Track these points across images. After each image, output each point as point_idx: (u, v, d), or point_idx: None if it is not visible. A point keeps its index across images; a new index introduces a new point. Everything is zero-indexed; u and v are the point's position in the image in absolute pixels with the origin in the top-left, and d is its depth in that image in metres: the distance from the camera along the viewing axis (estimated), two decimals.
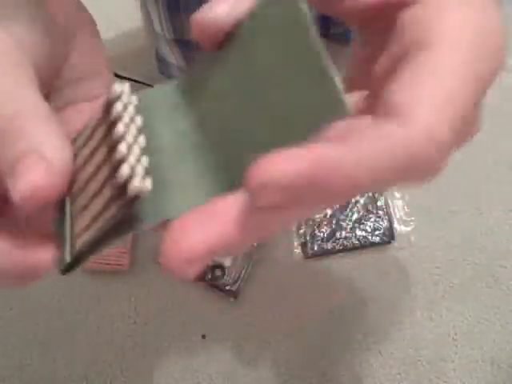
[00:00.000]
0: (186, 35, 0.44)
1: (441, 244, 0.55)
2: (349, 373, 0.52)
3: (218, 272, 0.52)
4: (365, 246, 0.54)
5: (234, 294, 0.52)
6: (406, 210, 0.56)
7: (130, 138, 0.15)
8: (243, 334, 0.53)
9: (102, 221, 0.15)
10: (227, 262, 0.52)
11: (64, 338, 0.53)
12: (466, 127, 0.15)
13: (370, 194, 0.56)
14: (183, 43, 0.45)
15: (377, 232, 0.55)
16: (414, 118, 0.13)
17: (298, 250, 0.54)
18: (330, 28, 0.57)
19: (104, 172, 0.15)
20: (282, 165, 0.12)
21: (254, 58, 0.15)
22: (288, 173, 0.12)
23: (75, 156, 0.16)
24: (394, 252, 0.55)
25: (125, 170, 0.14)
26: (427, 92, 0.13)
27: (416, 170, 0.14)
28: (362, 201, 0.55)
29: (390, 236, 0.54)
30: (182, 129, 0.17)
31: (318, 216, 0.55)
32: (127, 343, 0.53)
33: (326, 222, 0.55)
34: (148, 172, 0.14)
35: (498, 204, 0.57)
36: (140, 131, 0.15)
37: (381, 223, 0.55)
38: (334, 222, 0.55)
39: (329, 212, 0.55)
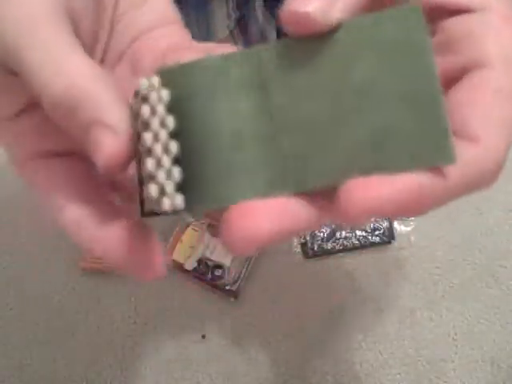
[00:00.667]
0: None
1: (441, 244, 0.55)
2: (349, 373, 0.52)
3: (217, 272, 0.52)
4: (365, 245, 0.54)
5: (234, 294, 0.52)
6: None
7: (158, 150, 0.14)
8: (243, 334, 0.53)
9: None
10: (227, 262, 0.52)
11: (64, 338, 0.53)
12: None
13: None
14: None
15: (377, 232, 0.55)
16: (486, 141, 0.14)
17: (297, 250, 0.54)
18: None
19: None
20: (378, 192, 0.13)
21: (352, 69, 0.14)
22: (383, 202, 0.12)
23: None
24: (394, 252, 0.55)
25: (152, 188, 0.14)
26: (495, 115, 0.14)
27: (479, 186, 0.15)
28: None
29: (389, 236, 0.54)
30: (243, 110, 0.15)
31: None
32: (127, 343, 0.53)
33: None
34: (180, 186, 0.14)
35: (497, 204, 0.57)
36: (172, 135, 0.14)
37: (381, 223, 0.55)
38: None
39: None
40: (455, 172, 0.14)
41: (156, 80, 0.14)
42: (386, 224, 0.55)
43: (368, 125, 0.14)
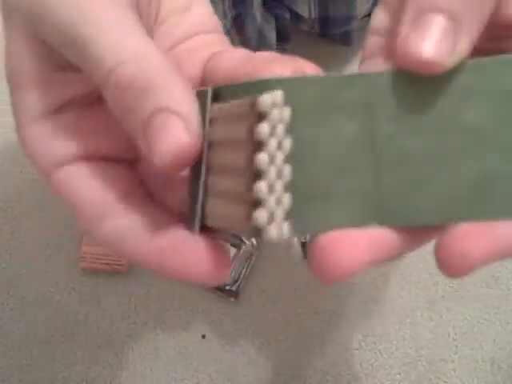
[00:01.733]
0: None
1: None
2: (349, 373, 0.52)
3: None
4: None
5: (234, 294, 0.52)
6: None
7: (272, 174, 0.13)
8: (243, 334, 0.53)
9: (231, 223, 0.14)
10: None
11: (64, 338, 0.53)
12: None
13: None
14: None
15: None
16: None
17: (298, 250, 0.54)
18: (330, 28, 0.57)
19: (236, 182, 0.13)
20: (477, 244, 0.13)
21: (465, 110, 0.14)
22: (482, 256, 0.13)
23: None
24: None
25: (262, 215, 0.12)
26: None
27: None
28: None
29: None
30: (348, 134, 0.14)
31: None
32: (127, 343, 0.53)
33: None
34: (288, 214, 0.13)
35: None
36: (287, 159, 0.13)
37: None
38: None
39: None
40: None
41: (279, 96, 0.13)
42: None
43: (472, 170, 0.13)
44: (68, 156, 0.19)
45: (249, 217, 0.13)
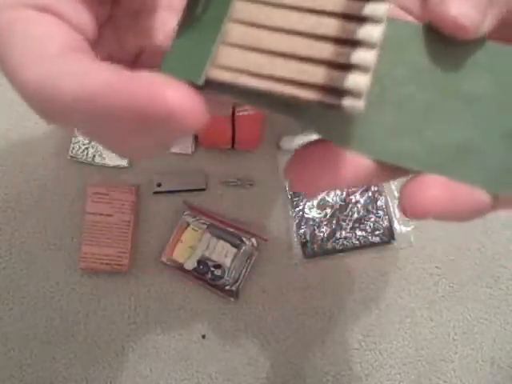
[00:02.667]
0: None
1: (441, 244, 0.55)
2: (349, 373, 0.52)
3: (218, 272, 0.52)
4: (365, 245, 0.54)
5: (234, 294, 0.52)
6: None
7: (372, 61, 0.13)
8: (243, 334, 0.53)
9: (289, 90, 0.13)
10: (227, 262, 0.52)
11: (64, 337, 0.53)
12: None
13: (370, 194, 0.56)
14: None
15: (377, 232, 0.54)
16: None
17: (297, 250, 0.54)
18: None
19: (320, 46, 0.13)
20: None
21: (472, 78, 0.15)
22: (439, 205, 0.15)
23: None
24: (394, 252, 0.55)
25: (365, 79, 0.13)
26: None
27: None
28: (362, 201, 0.55)
29: (389, 236, 0.54)
30: (401, 74, 0.15)
31: (317, 216, 0.55)
32: (127, 343, 0.53)
33: (325, 222, 0.55)
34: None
35: None
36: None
37: (381, 223, 0.55)
38: (334, 221, 0.55)
39: (329, 212, 0.55)
40: None
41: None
42: (386, 224, 0.55)
43: (463, 132, 0.14)
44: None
45: (338, 81, 0.13)
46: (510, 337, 0.53)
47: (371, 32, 0.13)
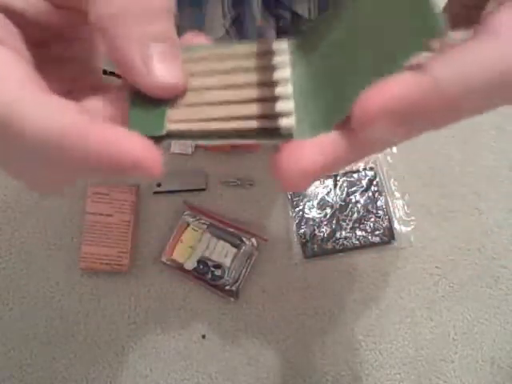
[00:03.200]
0: (179, 34, 0.44)
1: (441, 244, 0.55)
2: (349, 373, 0.52)
3: (218, 272, 0.52)
4: (365, 245, 0.54)
5: (234, 294, 0.52)
6: (406, 210, 0.56)
7: (285, 85, 0.17)
8: (243, 334, 0.53)
9: (233, 125, 0.16)
10: (227, 262, 0.52)
11: (64, 337, 0.53)
12: None
13: (370, 194, 0.56)
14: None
15: (377, 232, 0.54)
16: (506, 35, 0.13)
17: (297, 250, 0.54)
18: None
19: (248, 92, 0.17)
20: (381, 95, 0.13)
21: (360, 11, 0.17)
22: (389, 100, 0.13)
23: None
24: (394, 252, 0.55)
25: (288, 106, 0.16)
26: None
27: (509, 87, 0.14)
28: (362, 201, 0.55)
29: (390, 236, 0.54)
30: (297, 75, 0.18)
31: (317, 216, 0.55)
32: (127, 343, 0.53)
33: (325, 222, 0.55)
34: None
35: (498, 204, 0.57)
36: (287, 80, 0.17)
37: (381, 223, 0.55)
38: (333, 221, 0.55)
39: (329, 212, 0.55)
40: (458, 58, 0.13)
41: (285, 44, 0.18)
42: (386, 224, 0.55)
43: (378, 45, 0.16)
44: None
45: (270, 110, 0.16)
46: (509, 337, 0.53)
47: (282, 75, 0.17)
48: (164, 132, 0.16)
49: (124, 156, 0.14)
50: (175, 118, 0.17)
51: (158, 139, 0.16)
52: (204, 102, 0.17)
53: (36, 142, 0.14)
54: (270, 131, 0.16)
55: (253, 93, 0.17)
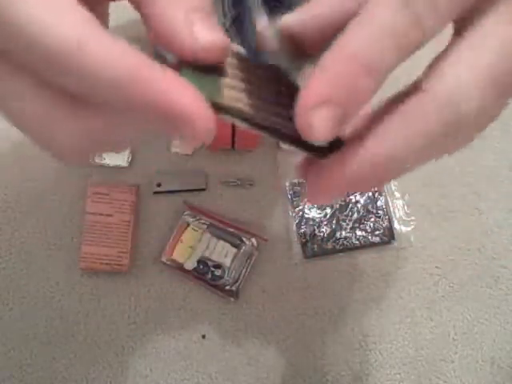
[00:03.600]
0: None
1: (441, 244, 0.55)
2: (349, 373, 0.52)
3: (218, 272, 0.52)
4: (365, 245, 0.54)
5: (234, 294, 0.52)
6: (406, 210, 0.56)
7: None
8: (243, 334, 0.53)
9: (278, 121, 0.17)
10: (227, 262, 0.52)
11: (64, 337, 0.53)
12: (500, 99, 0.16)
13: (370, 194, 0.56)
14: None
15: (377, 232, 0.55)
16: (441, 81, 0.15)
17: (297, 250, 0.54)
18: None
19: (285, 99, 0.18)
20: None
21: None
22: None
23: None
24: (394, 252, 0.55)
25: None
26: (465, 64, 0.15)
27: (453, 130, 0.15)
28: (362, 201, 0.55)
29: (390, 236, 0.54)
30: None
31: (317, 216, 0.55)
32: (127, 343, 0.53)
33: (325, 222, 0.55)
34: None
35: (498, 204, 0.57)
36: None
37: (381, 223, 0.55)
38: (333, 221, 0.55)
39: (329, 212, 0.55)
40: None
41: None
42: (386, 224, 0.55)
43: None
44: None
45: None
46: (510, 337, 0.53)
47: None
48: (222, 100, 0.16)
49: (185, 108, 0.14)
50: (223, 94, 0.17)
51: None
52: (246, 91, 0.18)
53: (99, 83, 0.14)
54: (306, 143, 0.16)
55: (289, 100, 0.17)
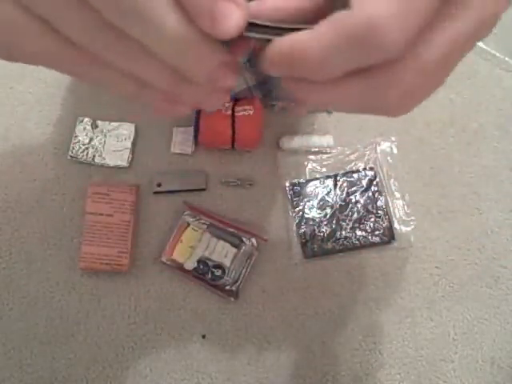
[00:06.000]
0: None
1: (441, 244, 0.55)
2: (349, 373, 0.52)
3: (217, 272, 0.52)
4: (365, 245, 0.54)
5: (234, 294, 0.52)
6: (406, 210, 0.56)
7: None
8: (243, 334, 0.53)
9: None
10: (227, 262, 0.52)
11: (64, 337, 0.53)
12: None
13: (370, 194, 0.56)
14: None
15: (377, 232, 0.54)
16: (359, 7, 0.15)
17: (297, 250, 0.54)
18: None
19: None
20: None
21: None
22: None
23: None
24: (394, 252, 0.55)
25: None
26: None
27: (369, 47, 0.16)
28: (362, 201, 0.55)
29: (390, 236, 0.54)
30: None
31: (317, 216, 0.55)
32: (127, 343, 0.53)
33: (325, 222, 0.55)
34: None
35: (498, 204, 0.57)
36: None
37: (381, 223, 0.55)
38: (333, 221, 0.55)
39: (329, 212, 0.55)
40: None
41: None
42: (386, 224, 0.55)
43: None
44: None
45: None
46: (509, 337, 0.53)
47: None
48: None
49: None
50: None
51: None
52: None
53: None
54: None
55: None
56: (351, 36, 0.15)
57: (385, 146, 0.58)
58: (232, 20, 0.16)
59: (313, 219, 0.55)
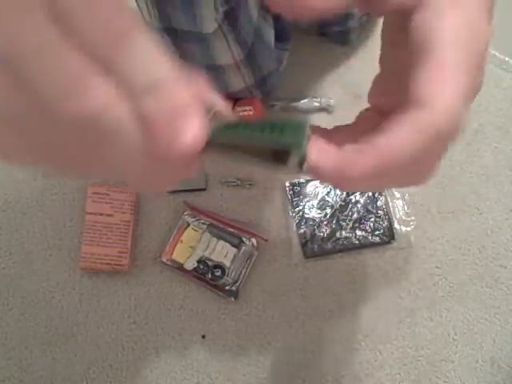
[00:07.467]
0: (173, 23, 0.44)
1: (441, 244, 0.55)
2: (349, 373, 0.52)
3: (217, 272, 0.52)
4: (365, 245, 0.54)
5: (234, 294, 0.52)
6: (406, 210, 0.56)
7: None
8: (243, 334, 0.53)
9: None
10: (227, 262, 0.52)
11: (64, 337, 0.53)
12: (471, 98, 0.18)
13: (370, 194, 0.56)
14: (171, 31, 0.45)
15: (377, 232, 0.54)
16: (435, 103, 0.16)
17: (298, 250, 0.54)
18: (328, 26, 0.57)
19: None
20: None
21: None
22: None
23: None
24: (394, 252, 0.55)
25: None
26: (441, 85, 0.16)
27: (442, 140, 0.17)
28: (362, 201, 0.55)
29: (390, 236, 0.54)
30: None
31: (317, 216, 0.55)
32: (127, 343, 0.53)
33: (326, 222, 0.55)
34: None
35: (498, 204, 0.57)
36: None
37: (381, 223, 0.55)
38: (333, 221, 0.55)
39: (329, 212, 0.55)
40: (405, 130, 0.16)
41: None
42: (386, 224, 0.55)
43: None
44: None
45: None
46: (509, 337, 0.53)
47: None
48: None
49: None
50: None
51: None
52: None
53: None
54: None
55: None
56: (437, 131, 0.16)
57: None
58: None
59: (313, 219, 0.55)
